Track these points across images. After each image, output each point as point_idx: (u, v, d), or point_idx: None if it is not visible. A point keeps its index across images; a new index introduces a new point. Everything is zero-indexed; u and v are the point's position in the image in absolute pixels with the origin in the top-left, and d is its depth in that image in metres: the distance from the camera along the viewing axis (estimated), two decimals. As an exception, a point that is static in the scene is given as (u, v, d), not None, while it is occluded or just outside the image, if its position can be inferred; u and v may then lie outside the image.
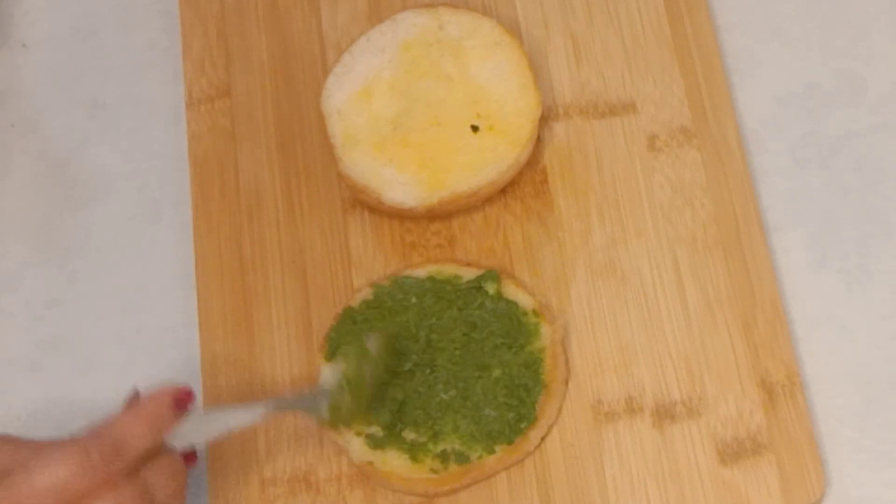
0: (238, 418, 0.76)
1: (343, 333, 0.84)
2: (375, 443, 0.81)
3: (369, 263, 0.87)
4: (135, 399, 0.75)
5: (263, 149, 0.91)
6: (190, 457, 0.76)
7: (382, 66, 0.89)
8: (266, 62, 0.94)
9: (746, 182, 0.85)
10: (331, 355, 0.83)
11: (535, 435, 0.80)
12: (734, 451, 0.79)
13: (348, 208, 0.89)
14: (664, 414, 0.81)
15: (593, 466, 0.80)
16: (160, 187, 0.94)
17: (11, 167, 0.96)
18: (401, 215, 0.87)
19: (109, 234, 0.93)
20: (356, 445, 0.81)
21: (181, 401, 0.74)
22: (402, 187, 0.86)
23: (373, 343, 0.80)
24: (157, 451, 0.73)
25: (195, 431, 0.75)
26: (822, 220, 0.85)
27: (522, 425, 0.80)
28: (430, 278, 0.84)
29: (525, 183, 0.88)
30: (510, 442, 0.80)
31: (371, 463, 0.80)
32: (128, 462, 0.71)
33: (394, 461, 0.80)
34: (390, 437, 0.81)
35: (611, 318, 0.84)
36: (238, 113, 0.93)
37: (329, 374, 0.80)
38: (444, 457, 0.80)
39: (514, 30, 0.91)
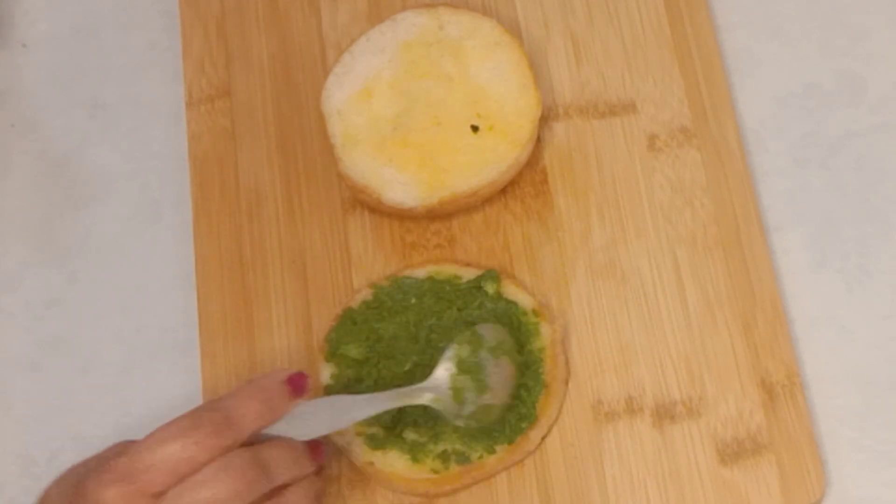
0: (360, 409, 0.76)
1: (343, 334, 0.84)
2: (376, 443, 0.81)
3: (369, 263, 0.87)
4: (250, 380, 0.75)
5: (263, 149, 0.91)
6: (317, 451, 0.76)
7: (382, 66, 0.89)
8: (266, 62, 0.94)
9: (746, 182, 0.85)
10: (331, 355, 0.83)
11: (535, 435, 0.80)
12: (734, 451, 0.79)
13: (348, 208, 0.89)
14: (664, 414, 0.81)
15: (593, 466, 0.80)
16: (160, 187, 0.94)
17: (11, 167, 0.96)
18: (401, 215, 0.87)
19: (109, 234, 0.93)
20: (357, 446, 0.81)
21: (296, 382, 0.74)
22: (402, 187, 0.86)
23: (487, 330, 0.80)
24: (279, 439, 0.73)
25: (315, 423, 0.75)
26: (822, 220, 0.85)
27: (523, 425, 0.80)
28: (430, 278, 0.84)
29: (525, 183, 0.88)
30: (510, 442, 0.80)
31: (372, 463, 0.80)
32: (239, 436, 0.71)
33: (394, 461, 0.80)
34: (391, 437, 0.81)
35: (611, 318, 0.84)
36: (238, 113, 0.93)
37: (443, 369, 0.79)
38: (444, 457, 0.80)
39: (514, 30, 0.91)
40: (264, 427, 0.72)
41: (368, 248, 0.88)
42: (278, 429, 0.73)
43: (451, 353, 0.79)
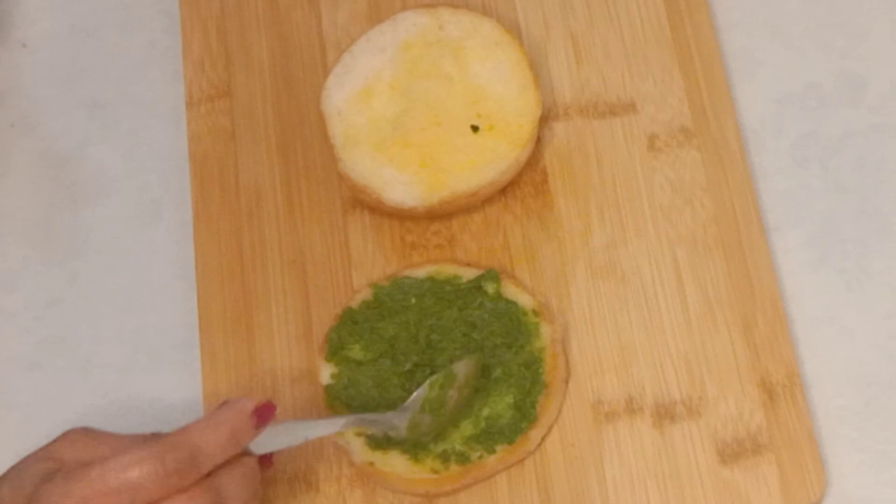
0: (316, 431, 0.76)
1: (343, 334, 0.84)
2: (376, 443, 0.81)
3: (369, 263, 0.87)
4: (217, 408, 0.74)
5: (263, 149, 0.92)
6: (266, 460, 0.76)
7: (382, 66, 0.89)
8: (266, 62, 0.94)
9: (746, 182, 0.85)
10: (331, 355, 0.83)
11: (535, 434, 0.80)
12: (734, 451, 0.79)
13: (348, 208, 0.89)
14: (664, 414, 0.81)
15: (593, 466, 0.80)
16: (160, 187, 0.94)
17: (11, 167, 0.96)
18: (401, 215, 0.87)
19: (109, 234, 0.93)
20: (357, 446, 0.81)
21: (263, 414, 0.73)
22: (402, 187, 0.86)
23: (462, 367, 0.80)
24: (234, 458, 0.73)
25: (272, 440, 0.75)
26: (822, 220, 0.85)
27: (523, 425, 0.80)
28: (430, 278, 0.84)
29: (525, 183, 0.88)
30: (511, 441, 0.80)
31: (372, 463, 0.80)
32: (202, 472, 0.70)
33: (395, 461, 0.80)
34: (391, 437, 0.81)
35: (611, 318, 0.84)
36: (238, 113, 0.93)
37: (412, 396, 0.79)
38: (444, 457, 0.80)
39: (514, 30, 0.91)
40: (227, 458, 0.72)
41: (368, 248, 0.88)
42: None
43: (420, 393, 0.79)
